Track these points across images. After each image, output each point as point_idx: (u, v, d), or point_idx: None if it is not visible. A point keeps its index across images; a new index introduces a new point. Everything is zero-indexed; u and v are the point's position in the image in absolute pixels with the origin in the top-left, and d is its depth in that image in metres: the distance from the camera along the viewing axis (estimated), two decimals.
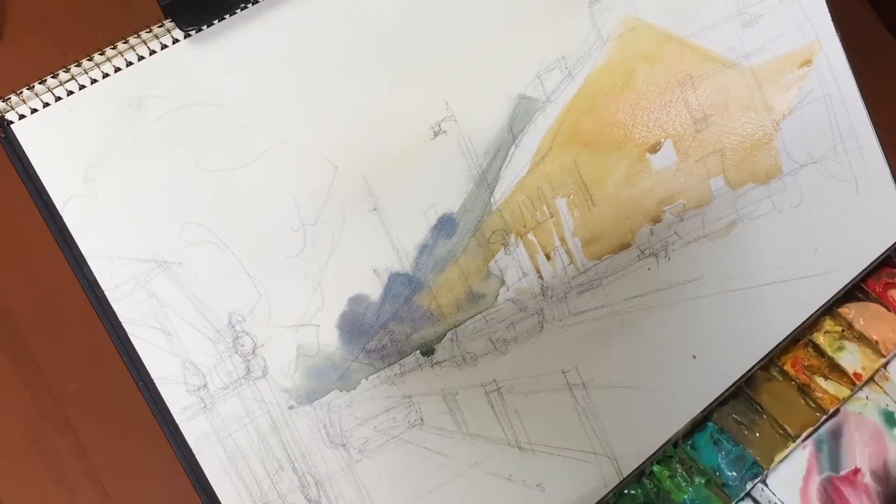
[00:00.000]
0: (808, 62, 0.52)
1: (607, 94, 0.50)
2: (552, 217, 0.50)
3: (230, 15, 0.45)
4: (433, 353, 0.49)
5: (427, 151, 0.48)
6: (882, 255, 0.41)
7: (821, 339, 0.41)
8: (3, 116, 0.44)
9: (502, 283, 0.50)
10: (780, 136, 0.52)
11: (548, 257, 0.50)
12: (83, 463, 0.61)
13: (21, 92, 0.44)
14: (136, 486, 0.61)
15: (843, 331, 0.41)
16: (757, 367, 0.50)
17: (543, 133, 0.49)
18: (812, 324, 0.37)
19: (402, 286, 0.48)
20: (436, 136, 0.48)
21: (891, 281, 0.40)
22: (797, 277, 0.54)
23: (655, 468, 0.51)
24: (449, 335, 0.49)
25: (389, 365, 0.49)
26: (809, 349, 0.40)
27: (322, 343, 0.48)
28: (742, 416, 0.50)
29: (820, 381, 0.46)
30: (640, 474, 0.53)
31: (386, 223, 0.48)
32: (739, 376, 0.52)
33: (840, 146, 0.53)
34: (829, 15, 0.52)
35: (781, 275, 0.54)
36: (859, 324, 0.41)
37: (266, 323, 0.47)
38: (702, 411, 0.52)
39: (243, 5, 0.45)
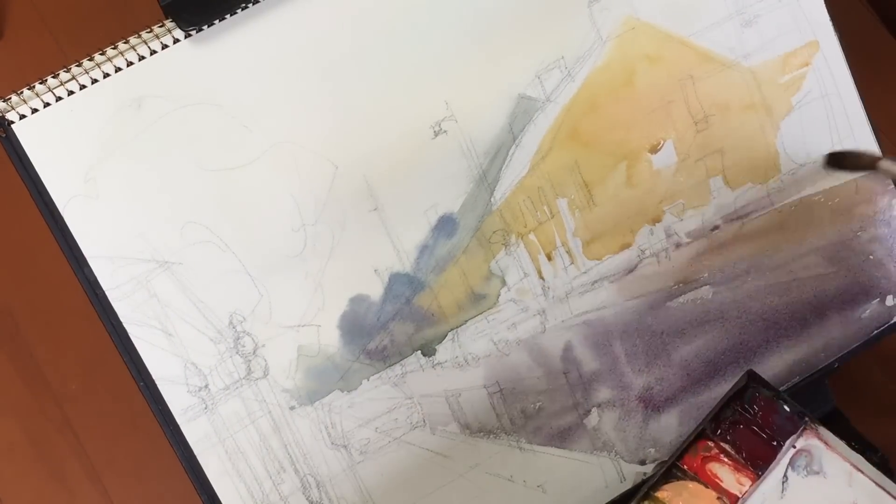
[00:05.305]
0: (806, 62, 0.52)
1: (607, 94, 0.50)
2: (553, 217, 0.50)
3: (230, 15, 0.45)
4: (434, 354, 0.49)
5: (427, 151, 0.48)
6: (697, 429, 0.40)
7: None
8: (3, 116, 0.44)
9: (503, 283, 0.50)
10: (779, 136, 0.52)
11: (549, 258, 0.50)
12: (83, 463, 0.61)
13: (21, 92, 0.44)
14: (136, 486, 0.61)
15: None
16: None
17: (544, 133, 0.49)
18: None
19: (403, 286, 0.48)
20: (436, 135, 0.48)
21: (707, 454, 0.38)
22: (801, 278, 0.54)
23: None
24: (450, 336, 0.49)
25: (391, 366, 0.49)
26: None
27: (323, 343, 0.48)
28: None
29: None
30: None
31: (386, 223, 0.48)
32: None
33: (839, 146, 0.53)
34: (827, 15, 0.52)
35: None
36: None
37: (267, 323, 0.47)
38: None
39: (244, 5, 0.45)
